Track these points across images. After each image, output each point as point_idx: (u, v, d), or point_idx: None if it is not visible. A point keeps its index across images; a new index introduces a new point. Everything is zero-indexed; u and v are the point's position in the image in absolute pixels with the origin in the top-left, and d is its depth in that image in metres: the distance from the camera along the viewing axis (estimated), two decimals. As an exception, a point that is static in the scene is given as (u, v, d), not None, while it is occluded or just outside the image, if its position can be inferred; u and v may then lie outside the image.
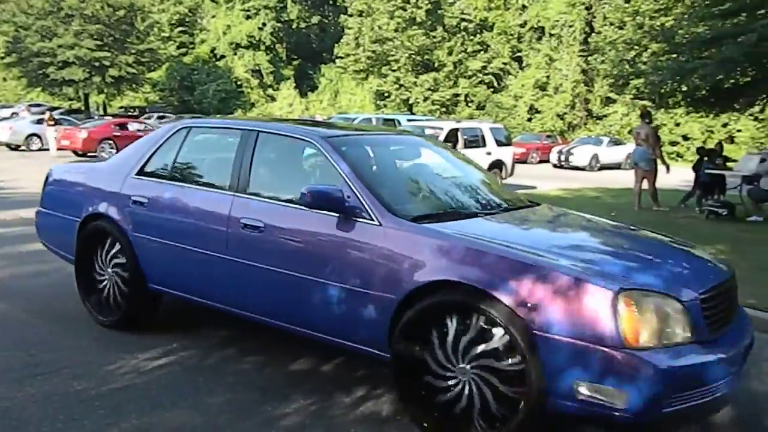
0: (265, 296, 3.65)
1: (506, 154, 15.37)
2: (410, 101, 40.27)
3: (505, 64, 40.03)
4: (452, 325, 2.93)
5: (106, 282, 4.43)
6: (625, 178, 9.05)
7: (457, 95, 40.07)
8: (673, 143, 31.90)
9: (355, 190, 3.35)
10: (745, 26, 9.89)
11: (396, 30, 39.82)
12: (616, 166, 25.35)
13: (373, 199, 3.32)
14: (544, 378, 2.68)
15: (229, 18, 48.67)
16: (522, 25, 39.46)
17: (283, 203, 3.63)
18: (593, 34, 35.01)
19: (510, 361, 2.78)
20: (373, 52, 40.55)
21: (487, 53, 40.21)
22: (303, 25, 50.90)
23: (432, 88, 39.82)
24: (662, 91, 11.48)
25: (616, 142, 27.05)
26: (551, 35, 37.78)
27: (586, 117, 37.01)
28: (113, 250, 4.34)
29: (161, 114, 34.71)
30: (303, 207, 3.42)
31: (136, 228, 4.19)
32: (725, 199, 11.19)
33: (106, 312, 4.41)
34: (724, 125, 30.50)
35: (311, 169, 3.95)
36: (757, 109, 12.19)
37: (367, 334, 3.24)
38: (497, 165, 14.82)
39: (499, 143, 15.32)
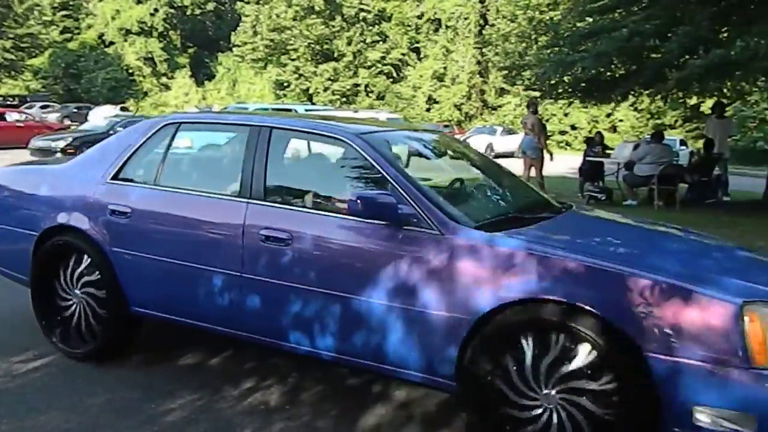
0: (294, 319, 3.10)
1: (403, 144, 15.56)
2: (310, 91, 40.03)
3: (403, 54, 40.57)
4: (531, 346, 2.58)
5: (73, 306, 3.77)
6: (518, 166, 9.48)
7: (357, 85, 40.23)
8: (562, 132, 33.58)
9: (408, 196, 2.92)
10: (618, 22, 10.55)
11: (294, 19, 39.41)
12: (510, 155, 26.36)
13: (429, 205, 2.90)
14: (651, 403, 2.39)
15: (117, 2, 46.36)
16: (419, 17, 40.10)
17: (316, 211, 3.18)
18: (487, 27, 36.11)
19: (606, 385, 2.45)
20: (272, 40, 39.96)
21: (386, 44, 40.59)
22: (198, 11, 49.30)
23: (332, 78, 39.77)
24: (549, 82, 12.06)
25: (510, 132, 28.08)
26: (447, 27, 38.64)
27: (482, 107, 38.21)
28: (82, 268, 3.71)
29: (44, 103, 32.64)
30: (338, 215, 3.04)
31: (115, 242, 3.54)
32: (604, 184, 11.98)
33: (76, 342, 3.75)
34: (608, 115, 32.40)
35: (341, 171, 3.45)
36: (636, 99, 13.06)
37: (429, 360, 2.81)
38: (395, 155, 14.99)
39: (397, 133, 15.47)
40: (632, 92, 11.65)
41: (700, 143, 13.29)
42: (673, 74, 9.93)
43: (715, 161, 11.73)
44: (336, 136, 3.31)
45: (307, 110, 20.32)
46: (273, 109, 16.39)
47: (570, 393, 2.52)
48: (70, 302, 3.78)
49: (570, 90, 12.14)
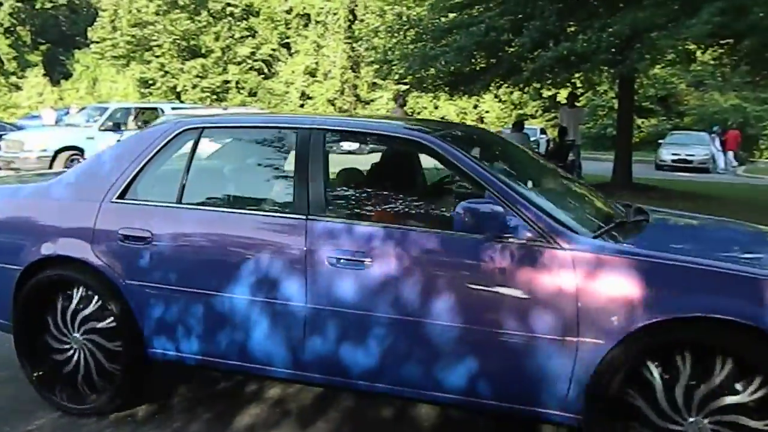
0: (377, 356, 2.67)
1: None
2: (178, 89, 38.49)
3: (274, 50, 39.98)
4: (687, 368, 2.31)
5: (73, 353, 3.19)
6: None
7: (228, 82, 39.17)
8: (434, 124, 34.44)
9: (512, 204, 2.55)
10: (476, 17, 11.06)
11: (157, 13, 37.66)
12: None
13: (538, 213, 2.54)
14: None
15: (-46, -4, 42.18)
16: (288, 12, 39.68)
17: (398, 226, 2.73)
18: (357, 22, 36.41)
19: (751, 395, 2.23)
20: (133, 36, 37.94)
21: (255, 39, 39.82)
22: (49, 5, 45.76)
23: (200, 74, 38.43)
24: (416, 76, 12.41)
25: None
26: (317, 22, 38.55)
27: (355, 102, 38.50)
28: (87, 309, 3.12)
29: None
30: (425, 229, 2.68)
31: (130, 273, 3.00)
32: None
33: (81, 396, 3.18)
34: (475, 107, 33.75)
35: (419, 177, 3.17)
36: (500, 91, 13.76)
37: (553, 392, 2.46)
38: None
39: (269, 130, 15.32)
40: (493, 84, 12.25)
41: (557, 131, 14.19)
42: (527, 66, 10.56)
43: (569, 148, 12.58)
44: (410, 137, 2.97)
45: (173, 108, 19.54)
46: (137, 109, 15.64)
47: (722, 425, 2.26)
48: (67, 349, 3.19)
49: (436, 83, 12.56)
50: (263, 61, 39.84)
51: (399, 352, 2.64)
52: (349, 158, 4.14)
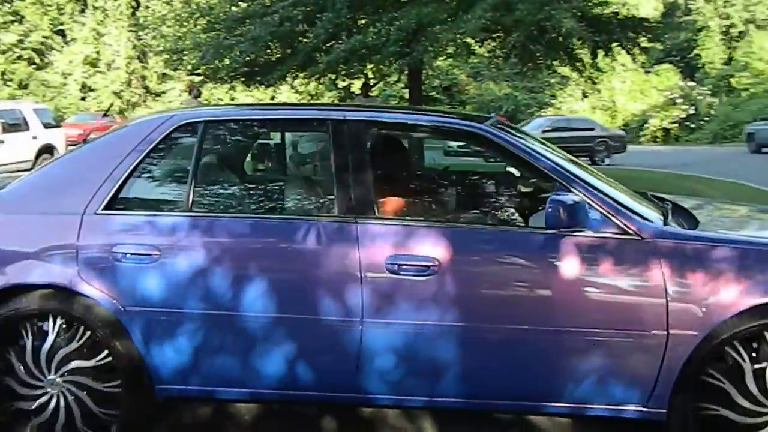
0: (453, 368, 2.44)
1: (57, 137, 14.16)
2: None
3: (46, 38, 36.18)
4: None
5: (50, 400, 2.59)
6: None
7: (-8, 73, 34.76)
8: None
9: (590, 197, 2.43)
10: (269, 7, 10.97)
11: None
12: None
13: (615, 205, 2.45)
14: None
15: None
16: (62, -4, 36.17)
17: (467, 226, 2.58)
18: (141, 9, 34.24)
19: None
20: None
21: (23, 25, 35.71)
22: None
23: (-44, 64, 33.64)
24: (209, 66, 12.00)
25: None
26: (96, 8, 35.59)
27: (145, 94, 36.28)
28: (69, 345, 2.57)
29: None
30: (496, 227, 2.60)
31: (132, 298, 2.52)
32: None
33: None
34: (272, 98, 33.49)
35: (477, 173, 2.97)
36: (296, 82, 13.80)
37: (633, 389, 2.39)
38: (47, 150, 13.54)
39: (47, 125, 14.04)
40: (289, 74, 12.26)
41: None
42: (322, 58, 10.73)
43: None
44: (467, 128, 2.74)
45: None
46: None
47: None
48: (41, 394, 2.61)
49: (231, 73, 12.27)
50: (34, 49, 35.87)
51: (473, 364, 2.47)
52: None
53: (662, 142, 35.53)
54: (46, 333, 2.58)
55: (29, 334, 2.59)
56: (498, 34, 11.16)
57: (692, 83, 38.21)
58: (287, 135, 3.20)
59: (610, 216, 2.42)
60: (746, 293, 2.29)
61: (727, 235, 2.62)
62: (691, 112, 35.88)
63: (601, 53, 11.34)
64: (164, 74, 34.11)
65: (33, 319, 2.59)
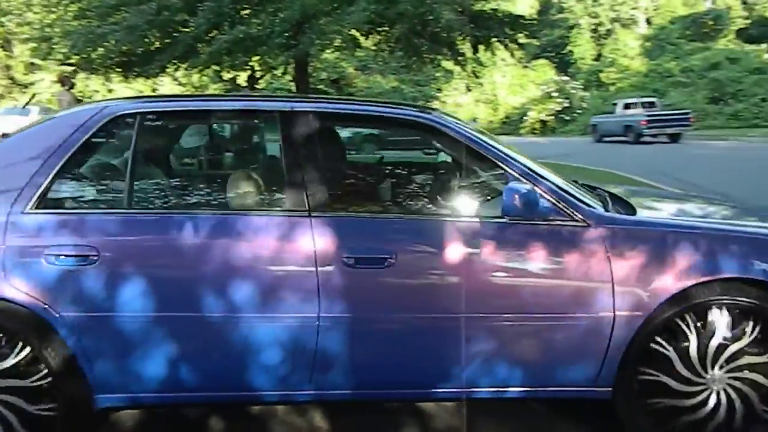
0: (408, 358, 2.46)
1: None
2: None
3: None
4: (724, 325, 2.44)
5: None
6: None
7: None
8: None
9: (540, 186, 2.49)
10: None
11: None
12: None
13: (562, 194, 2.51)
14: None
15: None
16: None
17: (424, 217, 2.63)
18: (3, -7, 31.60)
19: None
20: None
21: None
22: None
23: None
24: (82, 56, 11.29)
25: (48, 111, 25.46)
26: (-51, -9, 32.47)
27: (10, 84, 33.64)
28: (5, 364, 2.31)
29: None
30: (453, 218, 2.54)
31: (68, 303, 2.30)
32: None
33: None
34: (153, 90, 32.06)
35: (429, 165, 2.89)
36: (178, 73, 13.27)
37: (583, 370, 2.47)
38: None
39: None
40: (170, 66, 11.78)
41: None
42: (204, 48, 10.38)
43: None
44: (418, 119, 2.70)
45: None
46: None
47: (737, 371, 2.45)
48: None
49: (106, 64, 11.61)
50: None
51: (428, 353, 2.47)
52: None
53: (540, 133, 37.38)
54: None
55: None
56: (383, 28, 11.28)
57: (566, 78, 40.43)
58: (230, 127, 3.09)
59: (557, 204, 2.49)
60: (686, 273, 2.40)
61: (665, 220, 2.75)
62: (566, 105, 37.98)
63: (481, 48, 11.74)
64: (32, 64, 31.71)
65: None
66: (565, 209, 2.48)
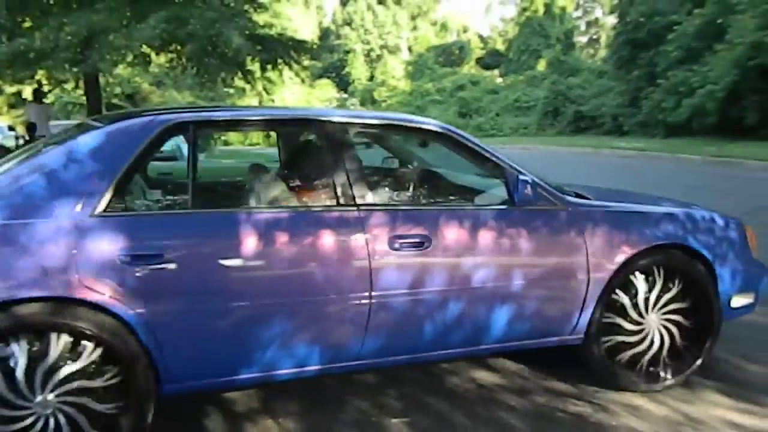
0: (427, 330, 2.60)
1: None
2: None
3: None
4: (641, 283, 2.93)
5: (36, 421, 2.09)
6: None
7: None
8: None
9: (527, 177, 2.72)
10: None
11: None
12: None
13: (543, 184, 2.82)
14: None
15: None
16: None
17: (448, 206, 2.82)
18: None
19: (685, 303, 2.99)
20: None
21: None
22: None
23: None
24: None
25: None
26: None
27: None
28: (68, 364, 2.11)
29: None
30: (471, 206, 2.80)
31: (141, 300, 2.15)
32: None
33: None
34: None
35: (441, 163, 3.26)
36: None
37: (556, 321, 2.83)
38: None
39: None
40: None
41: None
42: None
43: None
44: (429, 128, 2.87)
45: None
46: None
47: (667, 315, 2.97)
48: (29, 415, 2.08)
49: None
50: None
51: (452, 320, 2.63)
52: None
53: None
54: (30, 354, 2.10)
55: (27, 354, 2.10)
56: (174, 46, 10.68)
57: (345, 95, 41.89)
58: (274, 135, 2.95)
59: (544, 193, 2.78)
60: (637, 240, 2.84)
61: (619, 205, 3.05)
62: (347, 118, 39.28)
63: (269, 68, 11.67)
64: None
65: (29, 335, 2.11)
66: (549, 197, 2.80)
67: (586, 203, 2.94)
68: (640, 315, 2.91)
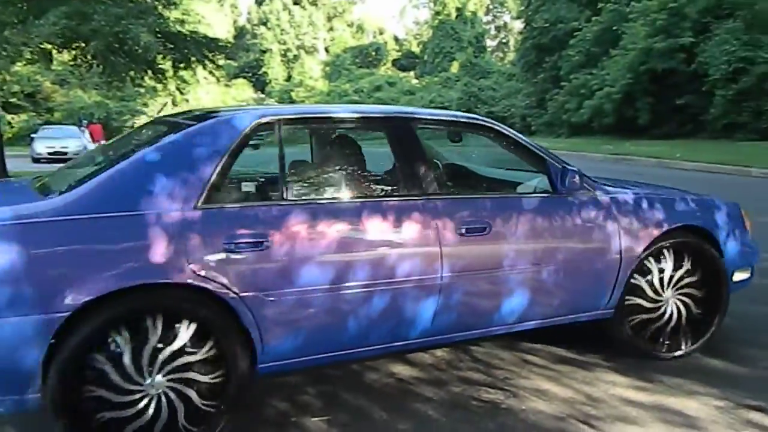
0: (488, 308, 2.79)
1: None
2: None
3: None
4: (663, 262, 3.12)
5: (148, 404, 2.19)
6: None
7: None
8: None
9: (574, 168, 2.91)
10: None
11: None
12: None
13: (583, 175, 2.95)
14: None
15: None
16: None
17: (504, 196, 3.01)
18: None
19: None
20: None
21: None
22: None
23: None
24: None
25: None
26: None
27: None
28: (174, 342, 2.21)
29: None
30: (525, 195, 2.96)
31: (244, 284, 2.27)
32: None
33: None
34: None
35: (490, 156, 3.41)
36: None
37: (592, 298, 3.00)
38: None
39: None
40: None
41: None
42: None
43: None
44: (477, 122, 3.08)
45: None
46: None
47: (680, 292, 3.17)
48: (139, 399, 2.17)
49: None
50: None
51: (506, 298, 2.79)
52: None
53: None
54: (144, 334, 2.19)
55: (117, 340, 2.16)
56: (78, 43, 10.08)
57: (263, 95, 41.19)
58: (350, 131, 3.22)
59: (584, 182, 2.97)
60: (662, 222, 3.06)
61: (643, 192, 3.22)
62: (265, 119, 38.68)
63: (182, 67, 11.26)
64: None
65: (118, 325, 2.15)
66: (587, 185, 2.98)
67: (617, 190, 3.11)
68: (657, 293, 3.15)
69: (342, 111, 2.97)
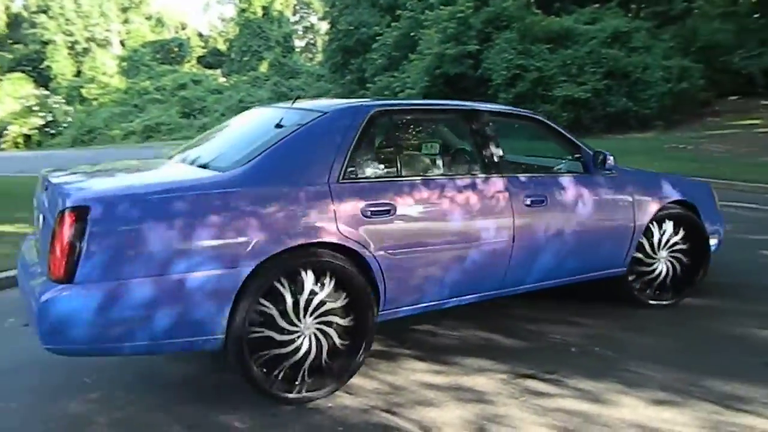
0: (543, 265, 3.43)
1: None
2: None
3: None
4: (663, 229, 3.90)
5: (301, 342, 2.69)
6: None
7: None
8: None
9: (607, 153, 3.63)
10: None
11: None
12: None
13: (608, 156, 3.61)
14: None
15: None
16: None
17: (554, 174, 3.63)
18: None
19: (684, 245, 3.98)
20: None
21: None
22: None
23: None
24: None
25: None
26: None
27: None
28: (322, 292, 2.72)
29: None
30: (568, 173, 3.62)
31: (378, 245, 2.83)
32: None
33: (300, 384, 2.72)
34: None
35: (537, 142, 4.06)
36: None
37: (615, 257, 3.71)
38: None
39: None
40: None
41: None
42: None
43: None
44: (529, 115, 3.81)
45: None
46: None
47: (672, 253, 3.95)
48: (294, 338, 2.67)
49: None
50: None
51: (553, 260, 3.45)
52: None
53: (25, 147, 32.97)
54: (302, 285, 2.68)
55: (287, 290, 2.65)
56: None
57: (47, 92, 36.57)
58: (431, 121, 3.80)
59: (606, 163, 3.62)
60: (664, 196, 3.84)
61: (649, 172, 4.33)
62: (50, 119, 34.44)
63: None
64: None
65: (287, 277, 2.65)
66: (612, 167, 3.65)
67: (630, 170, 3.94)
68: (653, 250, 3.86)
69: (437, 105, 4.03)
